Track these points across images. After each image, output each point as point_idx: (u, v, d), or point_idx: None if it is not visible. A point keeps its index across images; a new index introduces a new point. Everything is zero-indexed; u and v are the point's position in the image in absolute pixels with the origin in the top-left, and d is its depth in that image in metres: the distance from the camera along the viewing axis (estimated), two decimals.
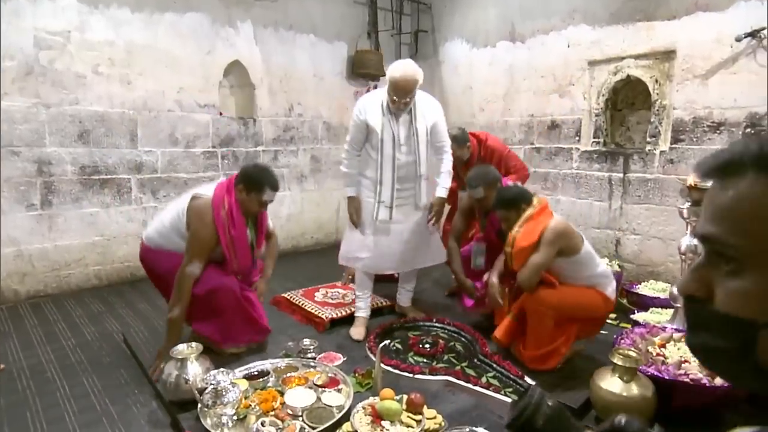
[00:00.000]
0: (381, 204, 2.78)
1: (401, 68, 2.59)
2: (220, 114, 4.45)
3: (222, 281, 2.46)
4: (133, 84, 3.88)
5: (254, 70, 4.59)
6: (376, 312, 3.18)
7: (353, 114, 2.79)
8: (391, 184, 2.77)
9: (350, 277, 3.50)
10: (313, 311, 3.09)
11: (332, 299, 3.35)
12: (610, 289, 2.50)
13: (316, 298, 3.34)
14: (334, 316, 3.05)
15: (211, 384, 1.97)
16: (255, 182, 2.41)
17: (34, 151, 3.50)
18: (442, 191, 2.89)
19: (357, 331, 2.91)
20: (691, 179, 2.60)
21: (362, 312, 3.01)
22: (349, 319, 3.06)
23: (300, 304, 3.19)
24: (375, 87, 5.63)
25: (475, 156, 3.54)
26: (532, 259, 2.36)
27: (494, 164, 3.37)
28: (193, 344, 2.21)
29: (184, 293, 2.35)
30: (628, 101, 4.15)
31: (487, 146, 3.58)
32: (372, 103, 2.74)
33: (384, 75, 5.49)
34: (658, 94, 3.76)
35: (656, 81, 3.76)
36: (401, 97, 2.60)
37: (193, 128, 4.26)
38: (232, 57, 4.43)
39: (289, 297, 3.29)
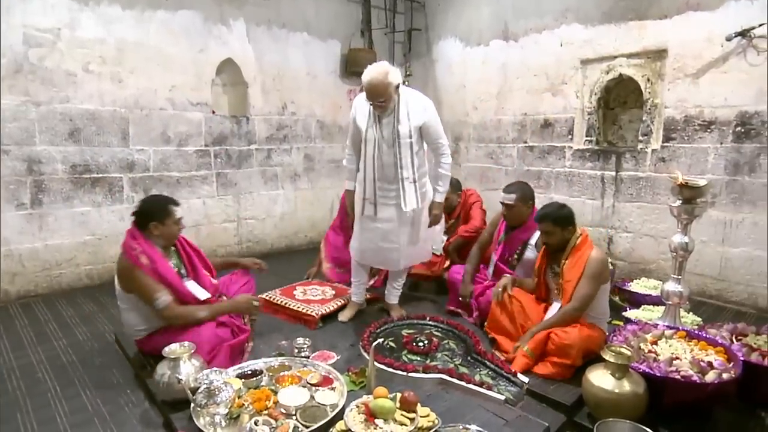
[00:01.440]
0: (365, 201, 2.83)
1: (370, 71, 2.58)
2: (213, 112, 4.42)
3: (217, 340, 2.41)
4: (124, 82, 3.84)
5: (247, 69, 4.57)
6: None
7: (352, 113, 2.86)
8: (372, 182, 2.78)
9: (314, 270, 3.66)
10: (301, 309, 3.06)
11: (314, 296, 3.30)
12: (605, 326, 2.57)
13: (296, 296, 3.26)
14: (324, 312, 3.05)
15: (203, 383, 1.95)
16: (161, 211, 2.44)
17: (23, 149, 3.46)
18: (437, 195, 2.86)
19: (344, 314, 3.12)
20: (681, 177, 2.62)
21: (354, 297, 3.15)
22: (338, 314, 3.15)
23: (283, 304, 3.14)
24: None
25: (457, 211, 3.81)
26: (582, 291, 2.41)
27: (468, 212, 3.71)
28: (186, 344, 2.19)
29: (182, 316, 2.38)
30: (620, 100, 4.17)
31: (467, 201, 3.81)
32: (363, 104, 2.76)
33: None
34: (649, 92, 3.79)
35: (648, 80, 3.79)
36: (372, 99, 2.61)
37: (185, 127, 4.23)
38: (225, 55, 4.40)
39: (268, 297, 3.20)
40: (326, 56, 5.19)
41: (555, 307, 2.62)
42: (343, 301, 3.22)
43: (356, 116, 2.80)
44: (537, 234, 3.00)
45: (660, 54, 3.70)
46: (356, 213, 2.94)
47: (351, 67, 5.25)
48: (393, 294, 3.15)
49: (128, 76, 3.86)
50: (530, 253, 3.01)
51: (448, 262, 3.62)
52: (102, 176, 3.83)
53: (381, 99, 2.59)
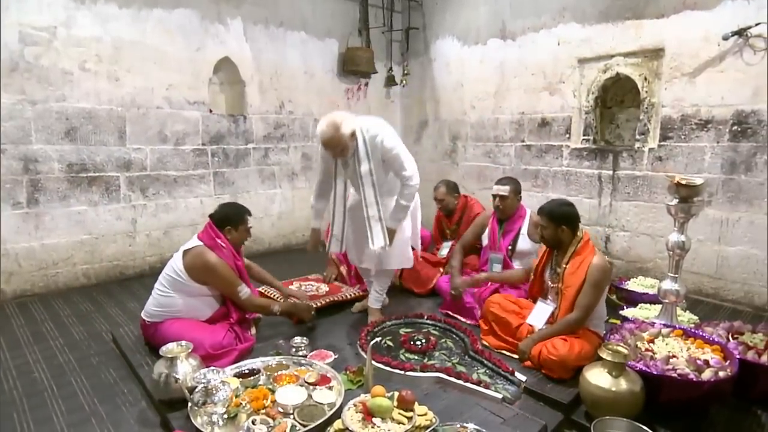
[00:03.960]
0: (333, 237, 2.88)
1: (322, 126, 2.58)
2: (210, 111, 4.41)
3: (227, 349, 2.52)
4: (121, 81, 3.83)
5: (244, 67, 4.56)
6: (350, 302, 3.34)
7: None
8: (341, 219, 2.85)
9: (333, 276, 3.49)
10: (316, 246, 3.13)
11: (307, 292, 3.36)
12: (602, 328, 2.56)
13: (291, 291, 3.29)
14: (314, 306, 3.05)
15: (201, 383, 1.95)
16: (238, 217, 2.74)
17: (19, 148, 3.45)
18: (391, 222, 2.74)
19: (356, 306, 3.27)
20: (677, 176, 2.62)
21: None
22: (330, 309, 3.20)
23: (276, 298, 3.18)
24: (366, 84, 5.63)
25: (458, 215, 3.81)
26: (585, 301, 2.39)
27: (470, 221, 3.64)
28: (183, 343, 2.19)
29: (261, 306, 2.76)
30: (617, 99, 4.18)
31: (471, 211, 3.79)
32: None
33: (375, 72, 5.51)
34: (646, 91, 3.79)
35: (645, 79, 3.80)
36: (330, 150, 2.63)
37: (182, 125, 4.22)
38: (222, 54, 4.39)
39: (264, 291, 3.27)
40: (324, 55, 5.18)
41: (540, 307, 2.62)
42: (334, 299, 3.29)
43: (324, 155, 2.82)
44: (526, 223, 3.17)
45: (657, 53, 3.71)
46: (331, 248, 2.92)
47: (348, 65, 5.25)
48: (373, 297, 3.07)
49: (125, 75, 3.84)
50: (523, 243, 3.17)
51: (439, 274, 3.58)
52: (99, 175, 3.82)
53: (337, 149, 2.61)
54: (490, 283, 3.09)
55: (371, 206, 2.67)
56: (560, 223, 2.50)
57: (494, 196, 3.23)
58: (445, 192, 3.79)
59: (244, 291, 2.64)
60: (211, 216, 2.73)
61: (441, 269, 3.64)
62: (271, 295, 3.26)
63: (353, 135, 2.60)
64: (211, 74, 4.39)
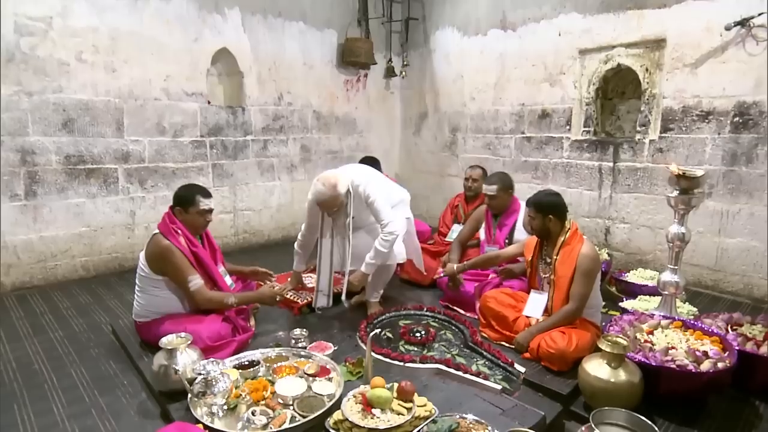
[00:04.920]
0: (320, 292, 2.90)
1: (319, 188, 2.65)
2: (208, 103, 4.38)
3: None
4: (118, 72, 3.80)
5: (242, 58, 4.52)
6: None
7: (309, 199, 2.85)
8: (328, 275, 2.89)
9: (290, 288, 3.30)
10: (288, 296, 3.08)
11: (308, 285, 3.31)
12: (598, 317, 2.58)
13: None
14: (309, 299, 3.06)
15: (200, 374, 1.95)
16: (186, 198, 2.53)
17: (16, 140, 3.43)
18: (365, 266, 2.77)
19: (354, 299, 3.17)
20: (677, 168, 2.61)
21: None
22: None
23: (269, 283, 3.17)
24: (365, 76, 5.60)
25: (479, 201, 3.69)
26: (579, 291, 2.41)
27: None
28: (183, 334, 2.18)
29: (213, 300, 2.50)
30: (618, 90, 4.15)
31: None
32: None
33: (375, 63, 5.47)
34: (648, 82, 3.77)
35: (646, 70, 3.77)
36: (327, 209, 2.74)
37: (180, 117, 4.19)
38: (220, 44, 4.35)
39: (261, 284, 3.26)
40: (323, 46, 5.14)
41: (534, 298, 2.63)
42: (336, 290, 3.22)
43: (311, 210, 2.87)
44: (521, 216, 3.21)
45: (658, 44, 3.68)
46: (318, 303, 2.94)
47: (348, 57, 5.21)
48: (370, 291, 3.06)
49: (122, 66, 3.81)
50: (519, 236, 3.17)
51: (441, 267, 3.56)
52: (97, 167, 3.80)
53: (334, 208, 2.72)
54: (490, 276, 3.10)
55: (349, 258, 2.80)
56: (547, 212, 2.51)
57: (485, 195, 3.27)
58: (480, 174, 3.84)
59: (194, 282, 2.43)
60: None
61: (442, 260, 3.62)
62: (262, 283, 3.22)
63: (347, 192, 2.72)
64: (209, 65, 4.35)
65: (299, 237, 3.05)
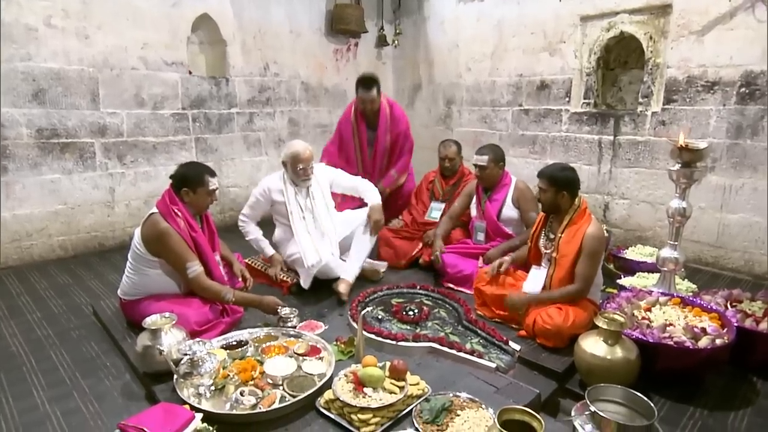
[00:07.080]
0: (310, 267, 2.79)
1: (301, 144, 2.93)
2: (190, 73, 4.16)
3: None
4: (91, 38, 3.56)
5: (225, 25, 4.28)
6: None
7: (257, 190, 3.01)
8: (313, 247, 2.84)
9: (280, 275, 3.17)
10: (276, 275, 3.01)
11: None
12: (597, 296, 2.50)
13: None
14: (297, 279, 2.96)
15: (186, 354, 1.89)
16: (195, 178, 2.42)
17: None
18: (373, 199, 3.06)
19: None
20: (682, 139, 2.49)
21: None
22: (320, 279, 2.94)
23: (263, 269, 3.11)
24: (356, 45, 5.36)
25: (456, 177, 3.64)
26: (584, 272, 2.33)
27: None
28: (167, 314, 2.11)
29: (210, 290, 2.40)
30: (620, 60, 3.99)
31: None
32: (276, 182, 2.98)
33: (366, 31, 5.23)
34: (651, 51, 3.60)
35: (650, 38, 3.60)
36: (307, 164, 2.88)
37: (160, 88, 3.97)
38: (201, 10, 4.11)
39: (250, 262, 3.17)
40: (310, 12, 4.90)
41: (534, 274, 2.57)
42: None
43: (271, 195, 2.96)
44: (512, 191, 3.10)
45: (664, 9, 3.50)
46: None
47: (337, 24, 4.97)
48: (350, 268, 2.98)
49: (95, 32, 3.57)
50: (507, 211, 3.09)
51: (419, 248, 3.45)
52: (71, 141, 3.60)
53: (311, 165, 2.91)
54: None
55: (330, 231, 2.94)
56: (561, 188, 2.41)
57: (474, 166, 3.12)
58: (455, 151, 3.58)
59: (194, 269, 2.34)
60: (171, 177, 2.46)
61: (420, 243, 3.47)
62: (255, 265, 3.15)
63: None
64: (190, 32, 4.11)
65: (246, 225, 3.07)
